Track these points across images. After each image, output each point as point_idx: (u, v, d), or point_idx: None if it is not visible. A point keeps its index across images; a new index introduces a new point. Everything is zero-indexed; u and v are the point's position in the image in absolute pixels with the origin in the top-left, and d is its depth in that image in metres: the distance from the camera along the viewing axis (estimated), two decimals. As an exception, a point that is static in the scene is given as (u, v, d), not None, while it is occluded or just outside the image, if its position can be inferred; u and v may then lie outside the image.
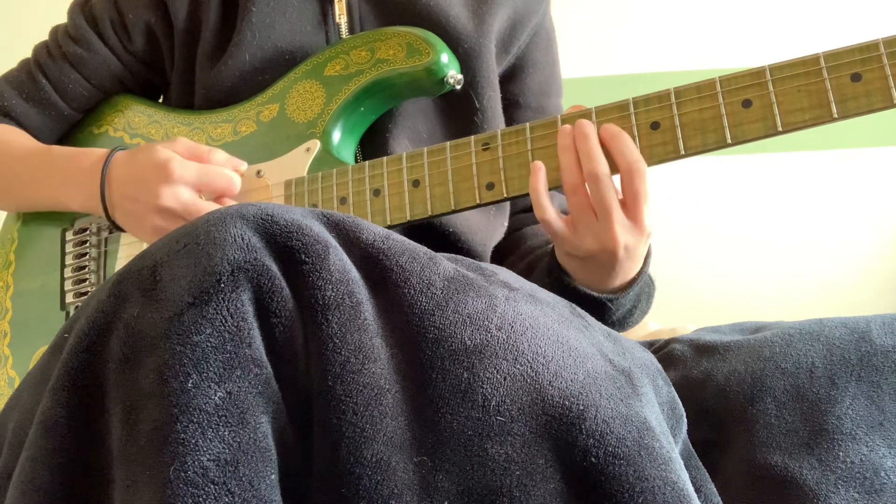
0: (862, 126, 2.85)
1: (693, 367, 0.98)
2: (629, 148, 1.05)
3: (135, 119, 1.43)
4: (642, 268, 1.14)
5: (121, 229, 1.30)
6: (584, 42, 3.12)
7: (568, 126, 1.08)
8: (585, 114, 1.09)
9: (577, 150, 1.06)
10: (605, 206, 1.04)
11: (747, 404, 0.90)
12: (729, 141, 1.03)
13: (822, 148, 3.08)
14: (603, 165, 1.04)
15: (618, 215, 1.04)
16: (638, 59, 3.12)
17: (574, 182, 1.06)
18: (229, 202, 1.22)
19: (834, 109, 0.99)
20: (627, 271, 1.11)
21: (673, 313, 2.77)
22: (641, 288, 1.17)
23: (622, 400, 0.71)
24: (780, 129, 1.01)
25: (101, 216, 1.27)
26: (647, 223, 1.06)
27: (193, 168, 1.19)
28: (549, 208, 1.08)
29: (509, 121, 1.43)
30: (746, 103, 1.02)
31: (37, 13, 2.30)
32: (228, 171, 1.22)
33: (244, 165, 1.26)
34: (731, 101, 1.03)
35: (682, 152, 1.05)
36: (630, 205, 1.05)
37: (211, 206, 1.19)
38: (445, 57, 1.24)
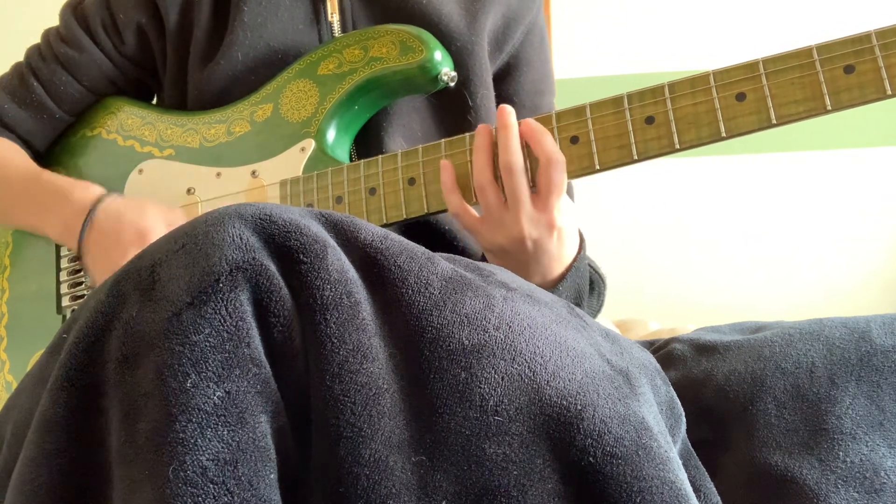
0: (863, 126, 2.86)
1: (693, 367, 0.98)
2: (548, 140, 1.08)
3: (128, 121, 1.42)
4: (570, 266, 1.15)
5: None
6: (583, 42, 3.13)
7: (485, 125, 1.13)
8: (580, 110, 1.09)
9: (497, 142, 1.11)
10: (515, 197, 1.08)
11: (747, 404, 0.90)
12: (723, 134, 1.04)
13: (823, 148, 3.09)
14: (519, 157, 1.09)
15: (526, 206, 1.08)
16: (636, 60, 3.13)
17: (483, 182, 1.11)
18: None
19: (827, 101, 0.99)
20: (546, 269, 1.14)
21: (673, 313, 2.78)
22: (579, 286, 1.18)
23: (620, 400, 0.71)
24: (774, 121, 1.01)
25: (72, 249, 1.28)
26: (557, 217, 1.09)
27: None
28: (457, 202, 1.13)
29: (503, 119, 1.43)
30: (740, 96, 1.03)
31: (34, 15, 2.29)
32: None
33: None
34: (725, 95, 1.03)
35: (677, 146, 1.05)
36: (542, 195, 1.08)
37: None
38: (439, 54, 1.24)
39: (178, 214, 1.26)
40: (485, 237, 1.13)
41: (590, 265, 1.29)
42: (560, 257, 1.13)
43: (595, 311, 1.32)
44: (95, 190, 1.29)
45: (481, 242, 1.15)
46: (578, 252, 1.16)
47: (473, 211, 1.13)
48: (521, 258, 1.12)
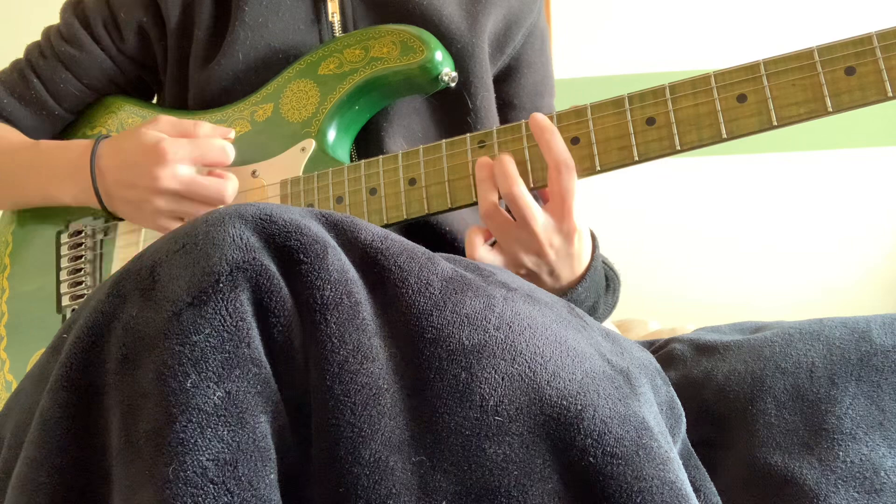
0: (863, 126, 2.86)
1: (693, 367, 0.98)
2: (557, 143, 1.07)
3: (128, 120, 1.42)
4: (588, 266, 1.15)
5: (117, 219, 1.30)
6: (582, 42, 3.13)
7: (486, 158, 1.12)
8: (581, 111, 1.09)
9: (494, 172, 1.10)
10: (525, 218, 1.08)
11: (747, 404, 0.90)
12: (724, 136, 1.03)
13: (823, 148, 3.09)
14: (518, 185, 1.08)
15: (540, 221, 1.08)
16: (636, 60, 3.14)
17: (487, 209, 1.11)
18: (223, 173, 1.24)
19: (828, 103, 0.99)
20: (569, 272, 1.14)
21: (673, 313, 2.78)
22: (597, 285, 1.18)
23: (620, 400, 0.71)
24: (774, 123, 1.01)
25: (96, 207, 1.28)
26: (577, 221, 1.09)
27: (185, 144, 1.20)
28: (477, 247, 1.13)
29: (504, 121, 1.43)
30: (741, 98, 1.02)
31: (34, 14, 2.29)
32: (219, 142, 1.24)
33: (232, 133, 1.28)
34: (726, 96, 1.03)
35: (678, 147, 1.05)
36: (557, 202, 1.08)
37: (210, 181, 1.21)
38: (440, 55, 1.23)
39: (165, 120, 1.26)
40: (508, 265, 1.12)
41: (604, 262, 1.28)
42: (580, 258, 1.13)
43: (611, 308, 1.32)
44: (83, 142, 1.31)
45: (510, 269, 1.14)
46: (593, 252, 1.16)
47: (493, 256, 1.13)
48: (547, 268, 1.12)
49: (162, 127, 1.24)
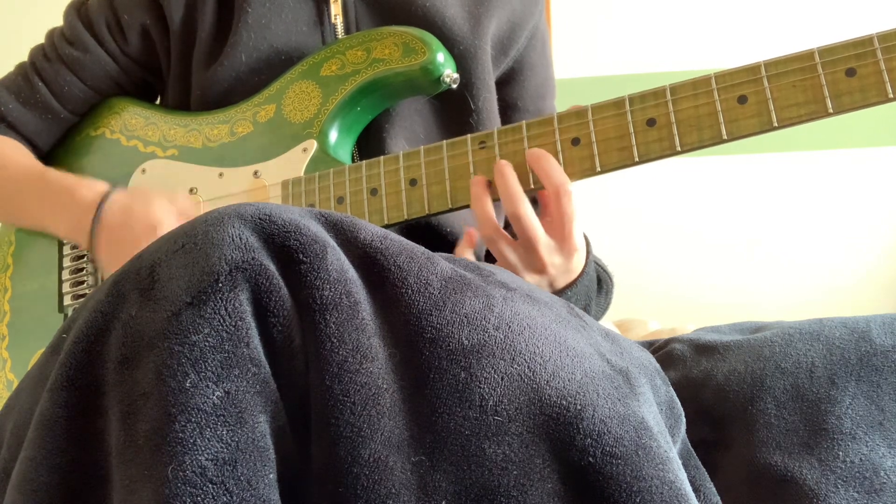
0: (863, 126, 2.86)
1: (693, 367, 0.98)
2: (554, 169, 1.08)
3: (131, 121, 1.43)
4: (581, 272, 1.16)
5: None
6: (582, 42, 3.13)
7: (480, 177, 1.12)
8: (582, 112, 1.09)
9: (498, 191, 1.11)
10: (530, 239, 1.09)
11: (747, 404, 0.90)
12: (724, 137, 1.04)
13: (823, 148, 3.09)
14: (523, 204, 1.09)
15: (543, 241, 1.09)
16: (636, 60, 3.14)
17: (489, 233, 1.12)
18: None
19: (829, 104, 0.99)
20: (562, 282, 1.15)
21: (673, 313, 2.78)
22: (588, 289, 1.19)
23: (620, 400, 0.70)
24: (775, 124, 1.01)
25: (83, 247, 1.29)
26: (577, 241, 1.10)
27: None
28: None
29: (506, 123, 1.43)
30: (742, 99, 1.02)
31: (36, 16, 2.30)
32: None
33: None
34: (727, 98, 1.03)
35: (678, 149, 1.05)
36: (558, 226, 1.09)
37: None
38: (441, 56, 1.24)
39: (184, 201, 1.26)
40: None
41: (597, 263, 1.29)
42: (577, 270, 1.15)
43: (604, 310, 1.33)
44: (100, 186, 1.29)
45: None
46: (587, 258, 1.17)
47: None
48: (543, 283, 1.13)
49: (176, 205, 1.25)
